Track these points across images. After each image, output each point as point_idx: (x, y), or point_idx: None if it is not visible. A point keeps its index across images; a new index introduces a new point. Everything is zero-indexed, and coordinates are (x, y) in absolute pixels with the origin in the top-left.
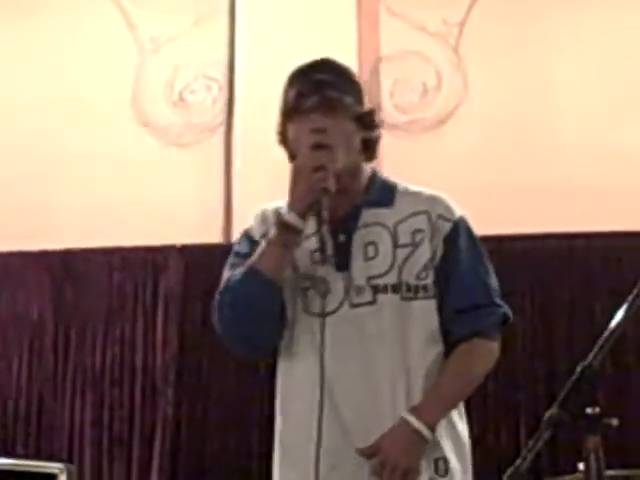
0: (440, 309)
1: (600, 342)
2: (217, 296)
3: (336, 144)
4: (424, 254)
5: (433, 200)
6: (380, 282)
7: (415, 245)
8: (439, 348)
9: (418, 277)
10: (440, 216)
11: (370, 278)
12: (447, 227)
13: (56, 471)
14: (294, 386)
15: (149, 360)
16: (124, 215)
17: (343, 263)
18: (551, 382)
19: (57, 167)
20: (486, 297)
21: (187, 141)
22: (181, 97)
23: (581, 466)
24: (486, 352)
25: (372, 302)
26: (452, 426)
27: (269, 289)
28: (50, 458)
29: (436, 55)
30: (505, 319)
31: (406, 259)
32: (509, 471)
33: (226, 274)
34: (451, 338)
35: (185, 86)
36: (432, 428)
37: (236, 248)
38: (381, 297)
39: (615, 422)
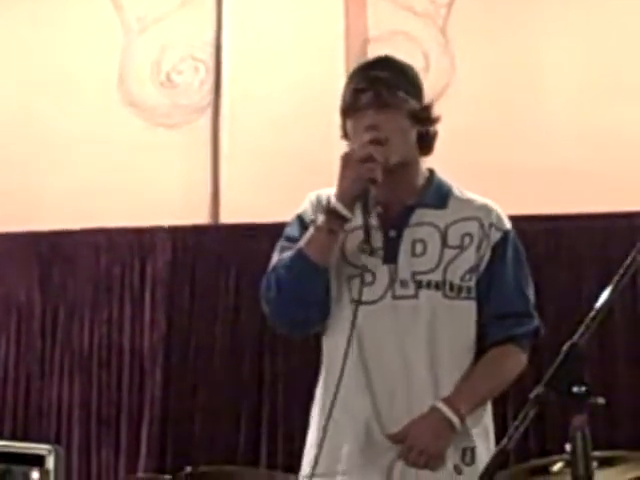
0: (480, 313)
1: (586, 321)
2: (265, 277)
3: (390, 139)
4: (470, 257)
5: (486, 208)
6: (424, 278)
7: (463, 248)
8: (472, 351)
9: (462, 279)
10: (492, 225)
11: (415, 273)
12: (497, 236)
13: (44, 452)
14: (333, 366)
15: (137, 342)
16: (111, 196)
17: (391, 256)
18: (538, 361)
19: (44, 149)
20: (524, 307)
21: (174, 122)
22: (168, 78)
23: (568, 447)
24: (517, 359)
25: (414, 296)
26: (481, 419)
27: (315, 273)
28: (38, 440)
29: (424, 36)
30: (537, 331)
31: (452, 260)
32: (495, 450)
33: (275, 257)
34: (486, 341)
35: (172, 67)
36: (462, 418)
37: (287, 231)
38: (423, 292)
39: (602, 401)
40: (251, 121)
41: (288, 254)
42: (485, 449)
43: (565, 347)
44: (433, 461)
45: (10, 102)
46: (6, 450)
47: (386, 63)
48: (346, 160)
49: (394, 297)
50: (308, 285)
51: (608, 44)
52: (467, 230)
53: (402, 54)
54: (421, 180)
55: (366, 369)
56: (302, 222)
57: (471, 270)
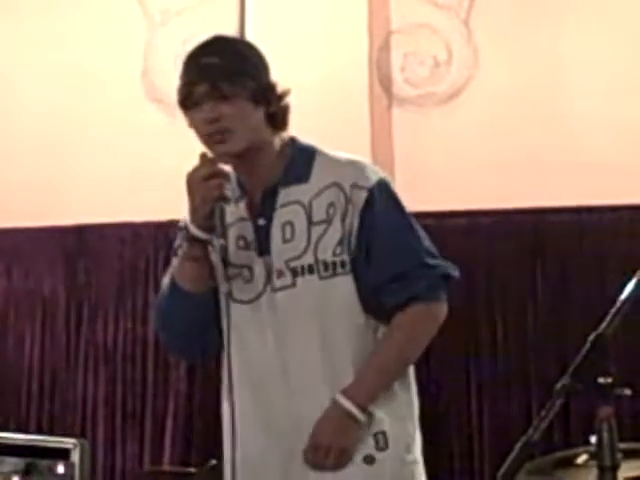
0: (367, 283)
1: (612, 312)
2: (154, 307)
3: (232, 129)
4: (337, 229)
5: (347, 167)
6: (297, 264)
7: (329, 221)
8: (361, 321)
9: (334, 253)
10: (354, 185)
11: (288, 261)
12: (362, 196)
13: (69, 446)
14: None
15: None
16: (136, 191)
17: (264, 247)
18: (563, 352)
19: (68, 143)
20: (412, 262)
21: None
22: None
23: (593, 439)
24: (425, 316)
25: (292, 285)
26: (392, 398)
27: (190, 302)
28: (63, 434)
29: (447, 28)
30: (443, 277)
31: (321, 237)
32: (521, 441)
33: (164, 278)
34: (386, 308)
35: None
36: (364, 408)
37: (175, 244)
38: (300, 280)
39: (628, 392)
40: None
41: (165, 281)
42: (401, 428)
43: (591, 338)
44: (339, 459)
45: (34, 97)
46: (31, 444)
47: (218, 46)
48: (190, 181)
49: (273, 290)
50: (190, 315)
51: (636, 37)
52: (330, 199)
53: (425, 46)
54: (280, 157)
55: (251, 368)
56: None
57: (340, 242)
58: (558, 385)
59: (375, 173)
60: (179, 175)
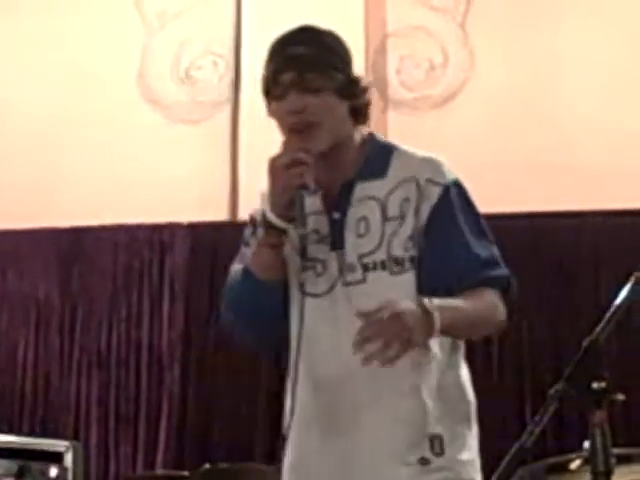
0: (432, 281)
1: (606, 317)
2: (223, 296)
3: (318, 122)
4: (409, 224)
5: (424, 162)
6: (369, 260)
7: (403, 217)
8: None
9: (405, 249)
10: (429, 180)
11: (361, 256)
12: (436, 192)
13: (62, 449)
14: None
15: (155, 339)
16: (131, 193)
17: (337, 242)
18: (557, 358)
19: (64, 145)
20: (488, 254)
21: (194, 118)
22: (187, 74)
23: (586, 444)
24: (494, 301)
25: (362, 281)
26: (449, 400)
27: (263, 290)
28: (56, 437)
29: (443, 31)
30: (509, 281)
31: (394, 233)
32: (515, 446)
33: (233, 266)
34: (458, 288)
35: (191, 63)
36: (438, 318)
37: (244, 234)
38: (371, 275)
39: (621, 397)
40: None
41: (237, 268)
42: (456, 430)
43: (584, 343)
44: (402, 348)
45: (31, 99)
46: (25, 446)
47: (307, 36)
48: (272, 168)
49: (345, 284)
50: (257, 303)
51: (632, 39)
52: (405, 195)
53: (421, 49)
54: (359, 152)
55: (316, 362)
56: (253, 223)
57: (411, 238)
58: (552, 390)
59: (451, 173)
60: (174, 177)
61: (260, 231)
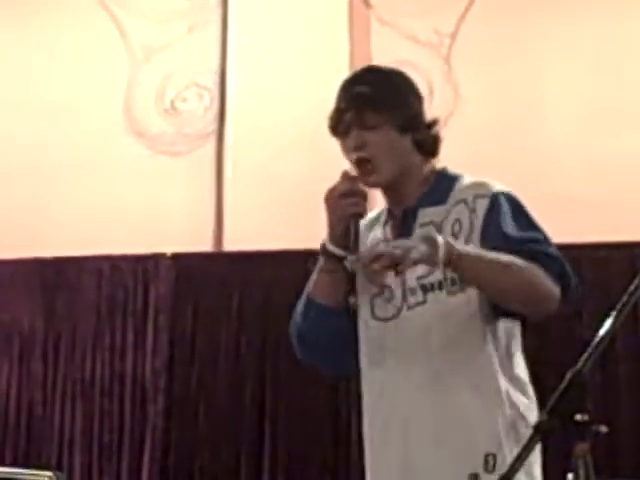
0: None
1: (589, 349)
2: (291, 323)
3: (376, 157)
4: (462, 241)
5: (472, 185)
6: (427, 281)
7: (455, 236)
8: (481, 334)
9: None
10: (477, 195)
11: (419, 278)
12: (485, 203)
13: (45, 479)
14: (365, 391)
15: (139, 369)
16: (115, 224)
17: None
18: (540, 389)
19: (48, 176)
20: (540, 236)
21: (179, 150)
22: (173, 106)
23: (570, 476)
24: (539, 273)
25: (423, 302)
26: (512, 425)
27: (326, 316)
28: (40, 467)
29: (427, 65)
30: (564, 269)
31: None
32: (498, 479)
33: (305, 291)
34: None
35: (177, 95)
36: (451, 255)
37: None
38: (430, 296)
39: (604, 429)
40: (255, 149)
41: (302, 297)
42: (510, 455)
43: (568, 375)
44: (401, 254)
45: (15, 128)
46: (8, 476)
47: (369, 76)
48: (328, 197)
49: (408, 308)
50: (327, 330)
51: (612, 72)
52: (457, 216)
53: None
54: (426, 182)
55: (382, 384)
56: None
57: None
58: (535, 422)
59: (499, 186)
60: (158, 208)
61: (320, 258)
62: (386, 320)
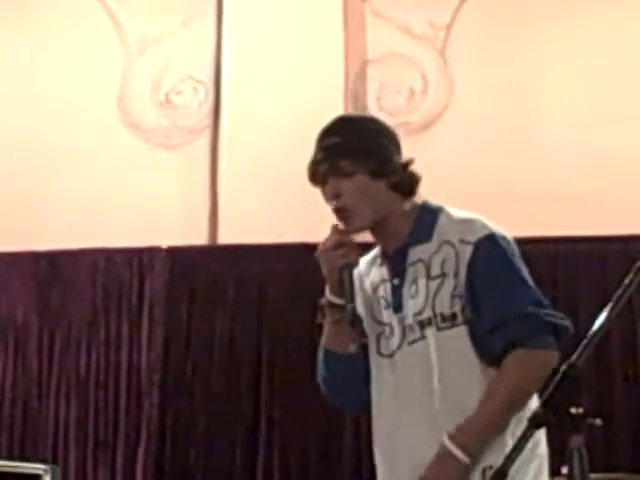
0: (477, 333)
1: (584, 342)
2: (317, 369)
3: (353, 204)
4: (450, 283)
5: (459, 225)
6: (422, 317)
7: (444, 275)
8: (478, 370)
9: (450, 307)
10: (462, 240)
11: (415, 315)
12: (468, 251)
13: (41, 472)
14: (375, 424)
15: (134, 362)
16: (110, 216)
17: (398, 305)
18: None
19: (43, 168)
20: (512, 311)
21: (173, 143)
22: (167, 99)
23: (564, 470)
24: (527, 362)
25: (422, 337)
26: (503, 434)
27: (346, 362)
28: (34, 460)
29: (422, 58)
30: (550, 324)
31: (437, 290)
32: (493, 471)
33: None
34: (493, 357)
35: (171, 88)
36: (468, 451)
37: None
38: (427, 331)
39: (599, 422)
40: (250, 142)
41: (320, 350)
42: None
43: (563, 368)
44: None
45: (10, 121)
46: (3, 470)
47: (341, 125)
48: (321, 251)
49: (409, 344)
50: (346, 375)
51: (609, 66)
52: (444, 256)
53: (401, 76)
54: (409, 219)
55: (383, 420)
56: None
57: (453, 296)
58: (530, 415)
59: (485, 228)
60: (153, 201)
61: (327, 311)
62: (386, 356)
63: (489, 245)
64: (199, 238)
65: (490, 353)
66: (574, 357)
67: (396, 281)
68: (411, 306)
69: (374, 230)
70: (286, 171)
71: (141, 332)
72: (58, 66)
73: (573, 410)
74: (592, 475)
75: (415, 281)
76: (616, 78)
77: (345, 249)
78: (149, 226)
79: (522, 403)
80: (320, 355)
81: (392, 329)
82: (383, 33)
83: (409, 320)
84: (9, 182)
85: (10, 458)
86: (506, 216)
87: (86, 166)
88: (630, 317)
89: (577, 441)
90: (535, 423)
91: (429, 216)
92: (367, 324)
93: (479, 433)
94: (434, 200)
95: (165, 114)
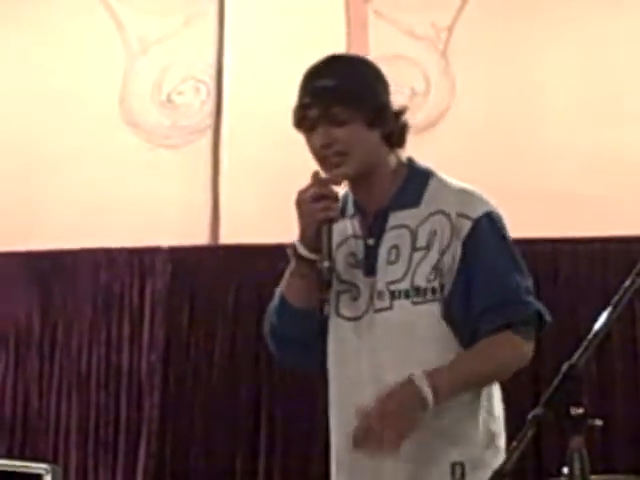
0: (466, 311)
1: (585, 343)
2: (265, 318)
3: (348, 152)
4: (434, 256)
5: (457, 195)
6: (396, 288)
7: (428, 247)
8: (451, 347)
9: (428, 280)
10: (460, 214)
11: (389, 283)
12: (467, 226)
13: (41, 472)
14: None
15: (135, 362)
16: (111, 216)
17: (370, 268)
18: (536, 382)
19: (44, 167)
20: (514, 293)
21: (175, 143)
22: (169, 99)
23: (565, 470)
24: (514, 345)
25: (389, 308)
26: (473, 430)
27: (296, 317)
28: (35, 460)
29: (425, 59)
30: (537, 316)
31: (419, 263)
32: (493, 472)
33: (278, 287)
34: (481, 335)
35: (173, 88)
36: (438, 395)
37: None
38: (396, 303)
39: (599, 423)
40: (251, 142)
41: (277, 293)
42: (478, 458)
43: (563, 368)
44: (388, 443)
45: (11, 120)
46: (3, 469)
47: (333, 67)
48: (299, 201)
49: (375, 311)
50: (298, 329)
51: (608, 67)
52: (434, 227)
53: (403, 77)
54: (396, 178)
55: (345, 385)
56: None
57: (435, 269)
58: (530, 415)
59: (484, 204)
60: (154, 201)
61: (292, 260)
62: (350, 319)
63: (488, 224)
64: (200, 238)
65: (475, 332)
66: (575, 357)
67: (371, 241)
68: (385, 272)
69: (356, 183)
70: (288, 171)
71: (142, 332)
72: (60, 65)
73: (573, 411)
74: (591, 476)
75: (396, 247)
76: (619, 78)
77: (326, 202)
78: (150, 226)
79: (492, 381)
80: (274, 303)
81: (359, 291)
82: (385, 34)
83: (380, 286)
84: (10, 181)
85: (10, 458)
86: (508, 216)
87: (87, 166)
88: (631, 318)
89: (577, 442)
90: (535, 423)
91: (418, 177)
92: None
93: (452, 381)
94: None
95: (167, 114)
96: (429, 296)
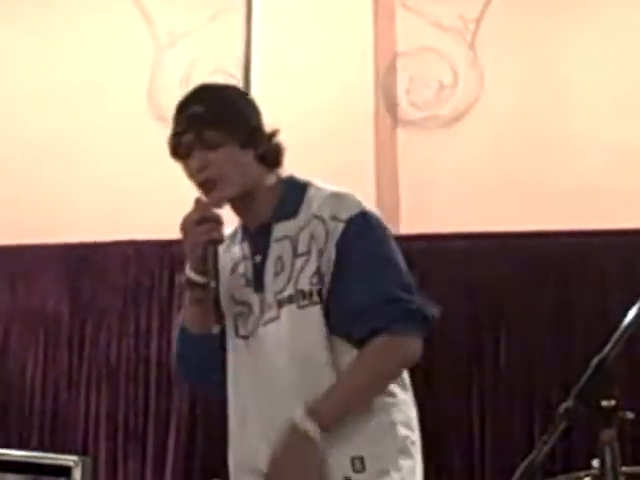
0: (336, 316)
1: (615, 336)
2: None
3: (222, 175)
4: (313, 260)
5: (329, 199)
6: (282, 296)
7: (309, 252)
8: (336, 348)
9: (311, 283)
10: (333, 217)
11: (276, 293)
12: (339, 228)
13: (71, 464)
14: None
15: (164, 354)
16: (141, 209)
17: (259, 284)
18: (567, 375)
19: (74, 162)
20: (378, 297)
21: None
22: None
23: (595, 463)
24: (391, 348)
25: (277, 317)
26: (367, 422)
27: (197, 343)
28: (65, 451)
29: (452, 51)
30: (412, 312)
31: (301, 268)
32: (523, 464)
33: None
34: (354, 341)
35: (201, 81)
36: (325, 424)
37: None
38: (283, 310)
39: (631, 415)
40: (280, 136)
41: (178, 325)
42: (379, 453)
43: (594, 361)
44: None
45: (41, 116)
46: (33, 461)
47: (203, 95)
48: (183, 226)
49: (264, 324)
50: (202, 353)
51: (637, 61)
52: (312, 232)
53: (431, 69)
54: (275, 194)
55: (237, 403)
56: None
57: (317, 272)
58: (561, 408)
59: (356, 205)
60: (183, 195)
61: (187, 288)
62: (244, 337)
63: (360, 224)
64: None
65: (352, 335)
66: (605, 350)
67: (258, 258)
68: (273, 285)
69: (237, 204)
70: (317, 164)
71: (171, 324)
72: (88, 59)
73: (604, 403)
74: (622, 468)
75: (280, 259)
76: None
77: (210, 224)
78: (179, 218)
79: (380, 389)
80: (177, 333)
81: (251, 309)
82: (413, 26)
83: (269, 299)
84: (40, 175)
85: (41, 449)
86: (536, 209)
87: (116, 158)
88: None
89: (609, 435)
90: (566, 416)
91: (295, 191)
92: (225, 304)
93: (336, 407)
94: (468, 193)
95: None
96: (315, 298)
